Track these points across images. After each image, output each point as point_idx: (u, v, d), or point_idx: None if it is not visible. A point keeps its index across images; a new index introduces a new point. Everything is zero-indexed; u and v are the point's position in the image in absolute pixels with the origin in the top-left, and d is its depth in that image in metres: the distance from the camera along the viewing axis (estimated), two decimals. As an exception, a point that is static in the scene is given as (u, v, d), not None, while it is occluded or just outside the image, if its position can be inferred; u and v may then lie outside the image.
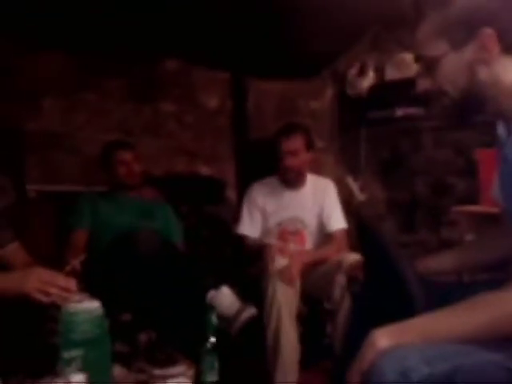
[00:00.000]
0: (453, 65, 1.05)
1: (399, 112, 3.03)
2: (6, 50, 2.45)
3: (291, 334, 2.04)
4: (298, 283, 2.15)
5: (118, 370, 1.48)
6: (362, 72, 3.19)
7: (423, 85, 1.00)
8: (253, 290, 2.11)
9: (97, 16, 2.36)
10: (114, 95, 2.80)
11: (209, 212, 2.90)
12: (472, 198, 2.70)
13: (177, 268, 1.94)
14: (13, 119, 2.45)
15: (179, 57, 2.96)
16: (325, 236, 2.49)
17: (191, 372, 1.48)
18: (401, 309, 1.07)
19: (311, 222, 2.50)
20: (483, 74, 1.03)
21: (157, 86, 2.94)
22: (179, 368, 1.49)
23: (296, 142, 2.42)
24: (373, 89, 3.14)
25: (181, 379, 1.39)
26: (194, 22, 2.54)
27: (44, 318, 1.40)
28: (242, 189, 2.83)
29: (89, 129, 2.72)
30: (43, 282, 1.36)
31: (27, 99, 2.54)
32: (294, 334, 2.05)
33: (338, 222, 2.50)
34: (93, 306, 1.38)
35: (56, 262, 1.78)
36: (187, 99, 3.06)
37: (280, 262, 2.16)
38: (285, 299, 2.05)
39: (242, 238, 2.50)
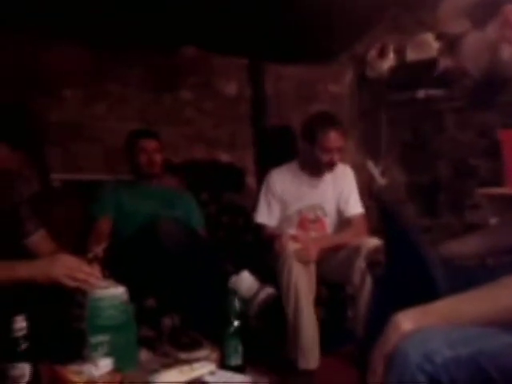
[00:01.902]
0: (475, 43, 1.02)
1: (421, 93, 2.98)
2: (27, 42, 2.48)
3: (310, 315, 2.06)
4: (313, 265, 2.15)
5: (144, 354, 1.51)
6: (382, 54, 3.14)
7: (444, 64, 0.98)
8: (272, 275, 2.12)
9: (115, 6, 2.37)
10: (133, 84, 2.82)
11: (228, 199, 2.92)
12: (496, 180, 2.66)
13: (199, 254, 1.97)
14: (35, 110, 2.49)
15: (197, 44, 2.95)
16: (343, 221, 2.49)
17: (215, 355, 1.51)
18: (423, 293, 1.07)
19: (331, 209, 2.49)
20: (506, 52, 1.00)
21: (176, 74, 2.95)
22: (204, 352, 1.52)
23: (342, 138, 2.38)
24: (393, 70, 3.09)
25: (205, 363, 1.41)
26: (210, 8, 2.52)
27: (71, 304, 1.43)
28: (261, 175, 2.83)
29: (110, 118, 2.76)
30: (69, 268, 1.39)
31: (49, 90, 2.58)
32: (312, 315, 2.07)
33: (355, 206, 2.49)
34: (118, 291, 1.41)
35: (79, 250, 1.82)
36: (206, 86, 3.06)
37: (293, 246, 2.16)
38: (301, 280, 2.06)
39: (259, 227, 2.50)
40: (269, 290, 1.85)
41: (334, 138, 2.34)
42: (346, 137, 2.43)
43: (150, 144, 2.39)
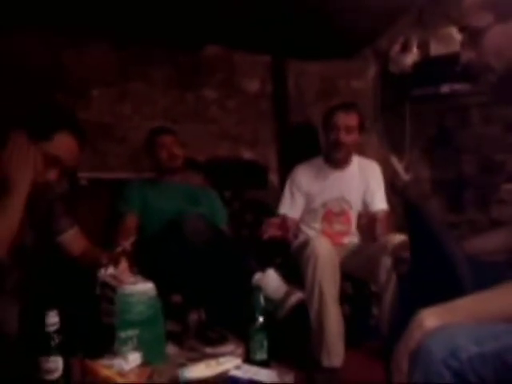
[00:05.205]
0: (498, 37, 1.01)
1: (445, 88, 2.93)
2: (55, 42, 2.54)
3: (334, 313, 2.05)
4: (337, 262, 2.15)
5: (171, 349, 1.54)
6: (405, 48, 3.10)
7: (467, 57, 0.96)
8: (295, 273, 2.13)
9: (139, 6, 2.41)
10: (158, 84, 2.86)
11: (252, 196, 2.93)
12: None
13: (224, 250, 1.99)
14: (62, 109, 2.54)
15: (220, 42, 2.97)
16: (369, 217, 2.49)
17: (241, 350, 1.53)
18: (449, 289, 1.07)
19: (356, 202, 2.49)
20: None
21: (199, 73, 2.98)
22: (229, 346, 1.54)
23: (353, 119, 2.40)
24: (417, 65, 3.06)
25: (231, 357, 1.43)
26: (233, 6, 2.54)
27: (101, 299, 1.47)
28: (284, 172, 2.84)
29: (135, 117, 2.80)
30: None
31: (76, 90, 2.63)
32: (337, 314, 2.06)
33: (380, 202, 2.48)
34: (147, 287, 1.44)
35: (106, 248, 1.85)
36: (229, 84, 3.07)
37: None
38: (326, 277, 2.05)
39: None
40: (299, 295, 1.83)
41: (341, 116, 2.38)
42: (358, 120, 2.43)
43: (168, 138, 2.44)
